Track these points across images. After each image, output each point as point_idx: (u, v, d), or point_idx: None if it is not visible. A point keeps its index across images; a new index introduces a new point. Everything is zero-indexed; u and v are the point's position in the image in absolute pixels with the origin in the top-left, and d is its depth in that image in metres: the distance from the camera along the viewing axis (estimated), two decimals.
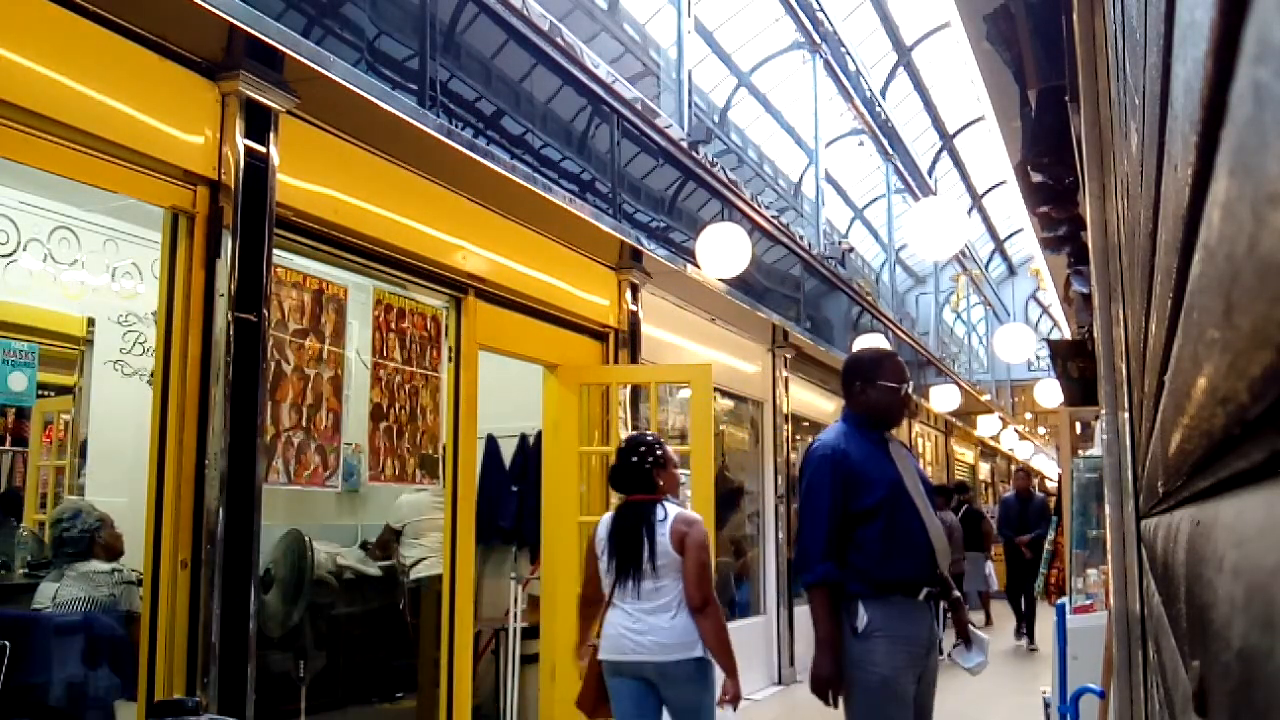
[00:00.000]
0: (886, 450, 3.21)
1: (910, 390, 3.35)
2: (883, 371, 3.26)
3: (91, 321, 5.07)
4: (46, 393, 5.11)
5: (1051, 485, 18.06)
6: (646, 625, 3.42)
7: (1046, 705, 4.61)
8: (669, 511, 3.51)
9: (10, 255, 4.64)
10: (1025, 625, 10.66)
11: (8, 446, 5.53)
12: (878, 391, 3.22)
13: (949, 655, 3.38)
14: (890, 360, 3.37)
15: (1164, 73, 0.57)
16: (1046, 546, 6.71)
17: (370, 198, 3.91)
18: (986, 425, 17.71)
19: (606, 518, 3.64)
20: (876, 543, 3.07)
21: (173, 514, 3.04)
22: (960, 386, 14.22)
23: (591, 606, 3.61)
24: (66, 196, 4.29)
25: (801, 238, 8.55)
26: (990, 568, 12.45)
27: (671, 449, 3.72)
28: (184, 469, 3.06)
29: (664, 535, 3.45)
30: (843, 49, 10.18)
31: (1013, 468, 19.72)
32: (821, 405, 9.81)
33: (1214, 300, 0.39)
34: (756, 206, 7.33)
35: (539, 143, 4.70)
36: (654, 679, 3.43)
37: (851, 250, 10.95)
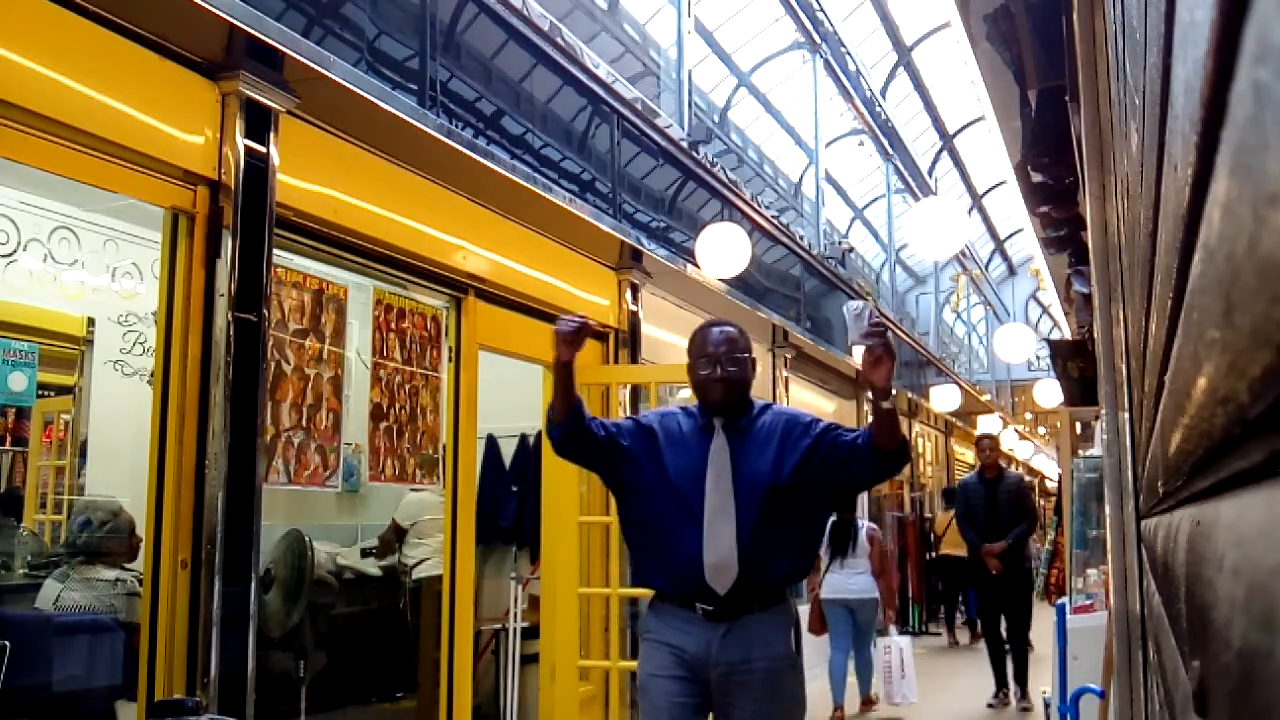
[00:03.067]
0: (706, 443, 2.73)
1: (723, 370, 2.74)
2: (690, 347, 2.84)
3: (91, 321, 5.06)
4: (46, 393, 5.11)
5: (1051, 485, 18.04)
6: (854, 580, 6.94)
7: (1046, 705, 4.61)
8: (862, 523, 7.08)
9: (10, 255, 4.64)
10: (1017, 678, 7.44)
11: (8, 446, 5.53)
12: (691, 370, 2.81)
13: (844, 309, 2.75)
14: (697, 334, 2.85)
15: (1164, 73, 0.57)
16: (1046, 546, 6.69)
17: (370, 198, 3.91)
18: (986, 425, 17.70)
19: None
20: (632, 540, 2.84)
21: (173, 514, 3.03)
22: (960, 386, 14.23)
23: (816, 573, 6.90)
24: (66, 196, 4.29)
25: (801, 238, 8.55)
26: None
27: None
28: (184, 469, 3.05)
29: (862, 534, 7.03)
30: (843, 49, 10.18)
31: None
32: (822, 405, 9.81)
33: (1214, 300, 0.39)
34: (756, 206, 7.33)
35: (539, 143, 4.69)
36: (855, 608, 6.92)
37: (851, 250, 10.95)
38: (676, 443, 2.75)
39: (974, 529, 7.54)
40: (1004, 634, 7.49)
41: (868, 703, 7.14)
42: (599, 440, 2.71)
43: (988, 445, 7.90)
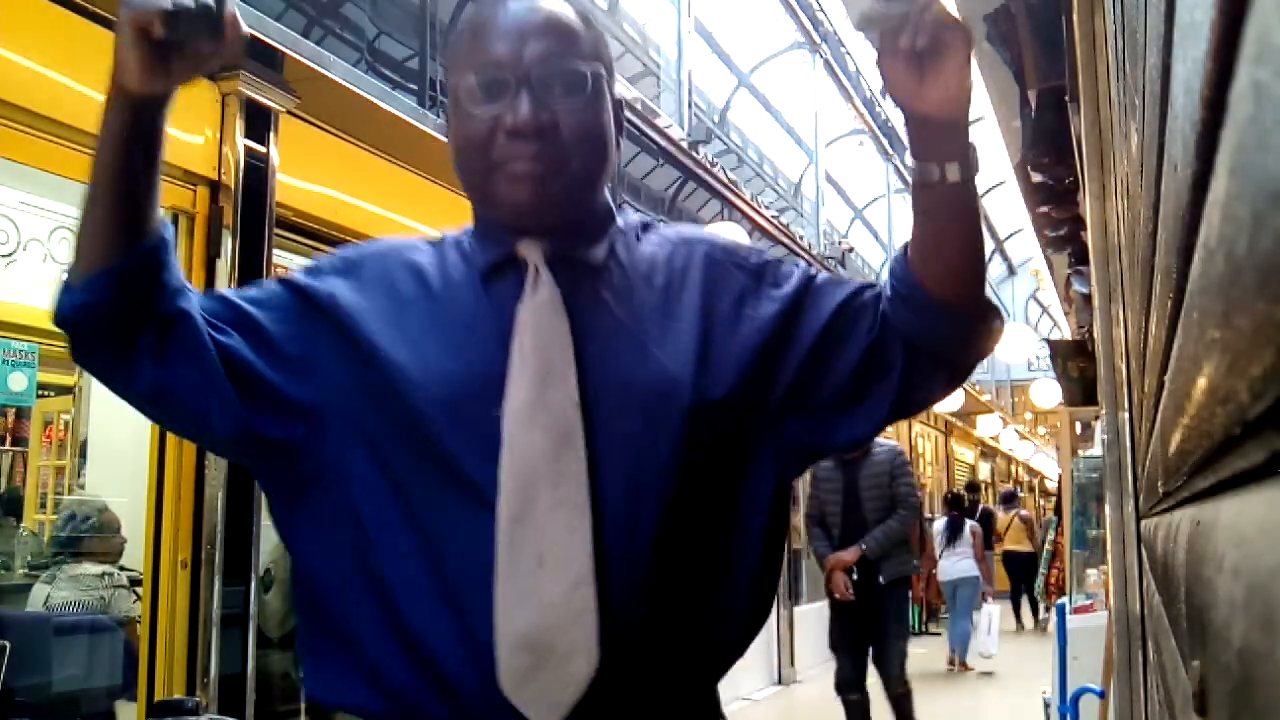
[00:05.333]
0: (502, 308, 1.04)
1: (538, 110, 1.01)
2: (450, 59, 1.11)
3: None
4: (46, 393, 5.11)
5: (1051, 485, 18.05)
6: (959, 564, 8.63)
7: (1046, 705, 4.61)
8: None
9: (10, 255, 4.64)
10: None
11: (8, 446, 5.53)
12: (455, 124, 1.07)
13: None
14: (469, 22, 1.09)
15: (1164, 73, 0.57)
16: (1046, 547, 6.70)
17: (370, 198, 3.91)
18: (986, 425, 17.71)
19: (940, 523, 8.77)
20: (310, 599, 1.09)
21: (173, 514, 3.03)
22: (960, 386, 14.22)
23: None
24: (66, 196, 4.29)
25: (801, 238, 8.55)
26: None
27: None
28: (184, 469, 3.05)
29: (965, 528, 9.05)
30: (843, 49, 10.18)
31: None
32: None
33: (1214, 300, 0.39)
34: (756, 206, 7.33)
35: None
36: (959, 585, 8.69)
37: (851, 250, 10.95)
38: (425, 314, 1.06)
39: (826, 535, 4.97)
40: (866, 683, 4.99)
41: (961, 665, 8.84)
42: (208, 348, 1.01)
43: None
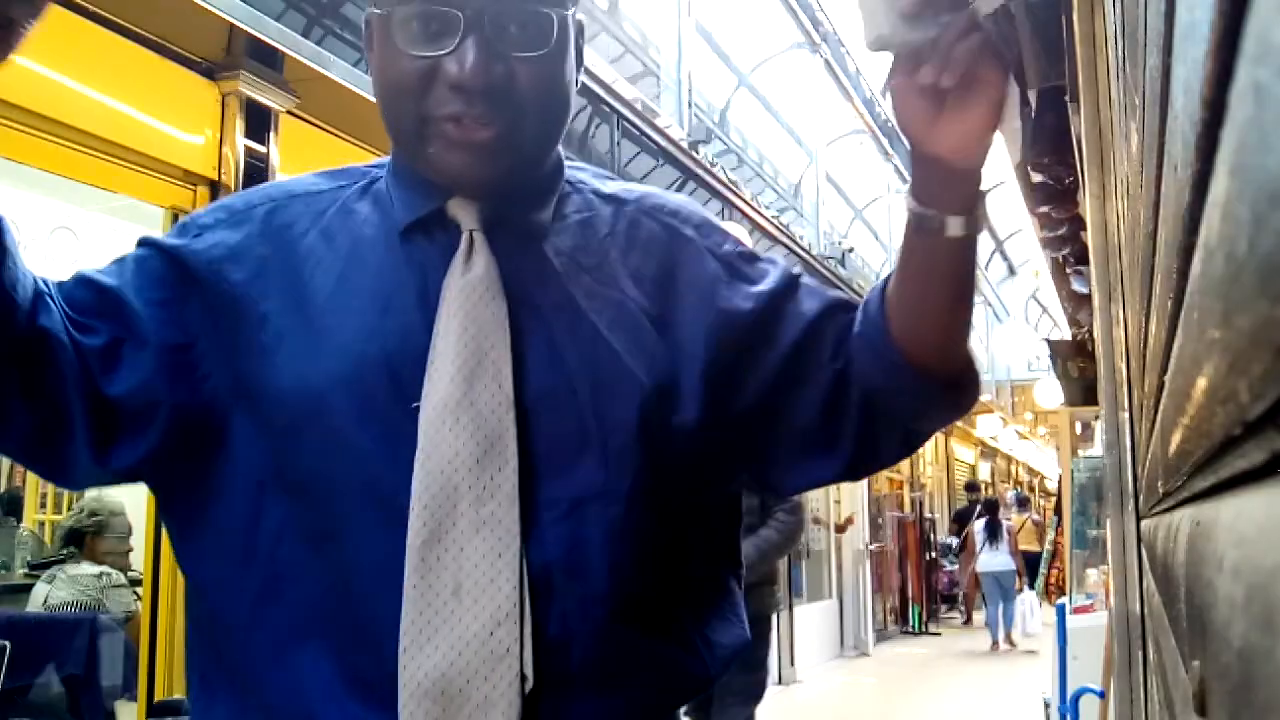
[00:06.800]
0: (427, 277, 0.87)
1: (484, 53, 0.81)
2: None
3: None
4: None
5: (1051, 485, 18.06)
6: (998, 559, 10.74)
7: (1046, 705, 4.61)
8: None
9: None
10: None
11: None
12: (380, 69, 0.87)
13: None
14: None
15: (1164, 73, 0.57)
16: (1046, 547, 6.70)
17: None
18: (986, 425, 17.70)
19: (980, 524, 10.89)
20: (203, 639, 0.91)
21: None
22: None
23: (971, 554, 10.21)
24: (66, 196, 4.29)
25: (801, 238, 8.55)
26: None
27: None
28: None
29: (1003, 527, 11.00)
30: (843, 49, 10.18)
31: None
32: None
33: (1214, 300, 0.39)
34: (756, 206, 7.34)
35: None
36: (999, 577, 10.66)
37: (851, 250, 10.96)
38: (329, 279, 0.88)
39: None
40: None
41: (1009, 641, 10.74)
42: (72, 354, 0.80)
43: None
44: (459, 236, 0.87)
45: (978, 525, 11.52)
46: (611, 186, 0.97)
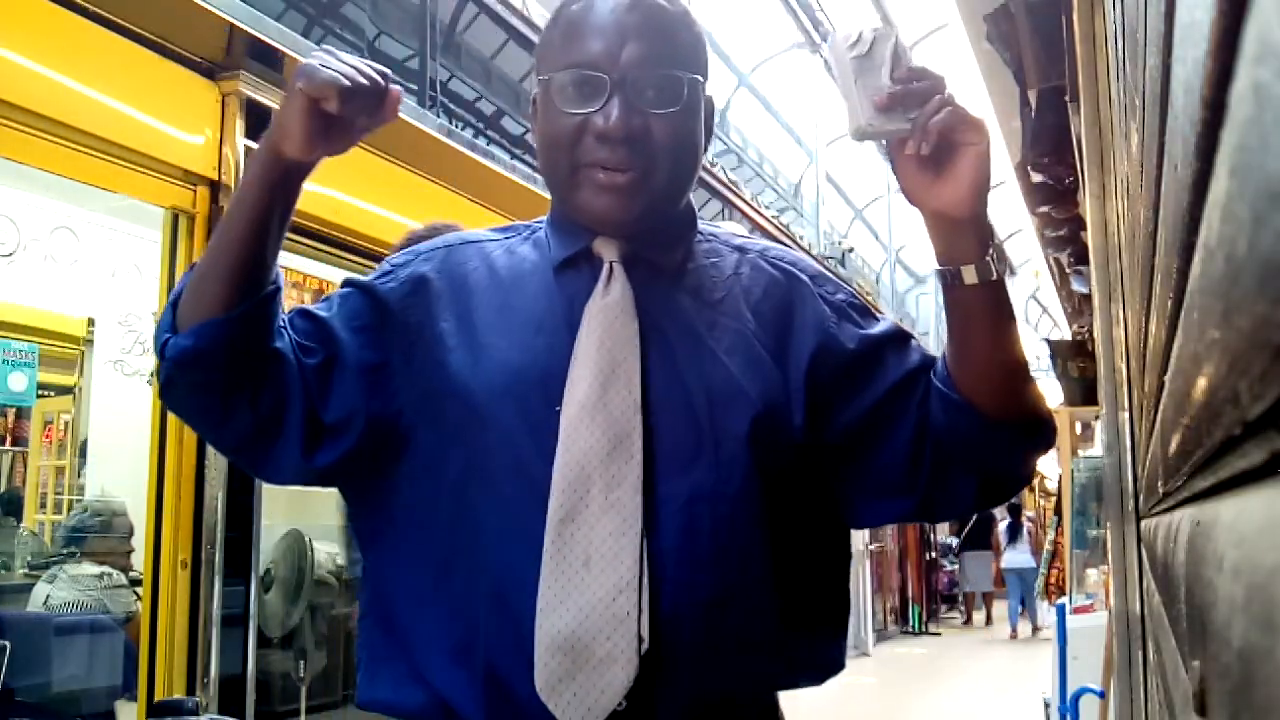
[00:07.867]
0: (572, 302, 1.03)
1: (629, 113, 0.98)
2: (541, 53, 1.07)
3: (91, 321, 5.06)
4: (46, 393, 5.11)
5: (1051, 485, 18.04)
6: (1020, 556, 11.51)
7: (1046, 705, 4.61)
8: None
9: (10, 255, 4.64)
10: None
11: (8, 446, 5.54)
12: (544, 122, 1.04)
13: None
14: (563, 14, 1.05)
15: (1164, 73, 0.57)
16: (1046, 547, 6.70)
17: (370, 198, 3.91)
18: None
19: (1004, 525, 11.08)
20: (384, 591, 1.05)
21: (173, 514, 3.03)
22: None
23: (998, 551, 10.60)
24: (66, 196, 4.29)
25: (801, 238, 8.55)
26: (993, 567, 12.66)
27: None
28: (184, 469, 3.05)
29: (1024, 528, 11.88)
30: None
31: None
32: None
33: (1214, 300, 0.39)
34: (756, 206, 7.34)
35: None
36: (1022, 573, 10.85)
37: (851, 250, 10.95)
38: (493, 306, 1.06)
39: None
40: None
41: (1035, 629, 11.42)
42: (297, 371, 1.02)
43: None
44: (603, 270, 1.03)
45: (1001, 526, 12.52)
46: (739, 240, 1.14)
